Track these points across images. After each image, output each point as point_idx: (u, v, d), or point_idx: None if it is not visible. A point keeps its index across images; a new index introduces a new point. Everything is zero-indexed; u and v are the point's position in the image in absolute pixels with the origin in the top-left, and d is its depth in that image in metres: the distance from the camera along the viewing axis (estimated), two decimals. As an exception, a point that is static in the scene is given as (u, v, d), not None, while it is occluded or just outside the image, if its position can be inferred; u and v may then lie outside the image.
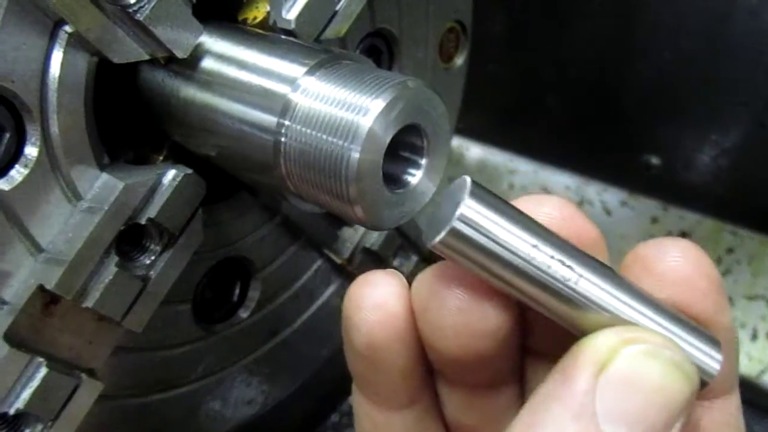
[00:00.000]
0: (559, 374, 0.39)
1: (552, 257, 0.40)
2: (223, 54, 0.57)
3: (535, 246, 0.40)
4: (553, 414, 0.38)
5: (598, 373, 0.38)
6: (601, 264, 0.42)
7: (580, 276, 0.40)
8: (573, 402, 0.38)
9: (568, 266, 0.40)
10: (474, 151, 1.24)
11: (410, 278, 0.89)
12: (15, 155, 0.52)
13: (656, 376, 0.38)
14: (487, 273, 0.40)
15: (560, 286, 0.40)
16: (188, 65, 0.57)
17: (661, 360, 0.39)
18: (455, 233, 0.39)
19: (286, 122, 0.52)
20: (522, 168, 1.21)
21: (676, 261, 0.43)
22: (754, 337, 1.03)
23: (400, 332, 0.45)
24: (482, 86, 0.96)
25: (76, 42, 0.52)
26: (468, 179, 0.40)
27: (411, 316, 0.45)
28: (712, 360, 0.42)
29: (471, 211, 0.39)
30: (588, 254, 0.42)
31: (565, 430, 0.37)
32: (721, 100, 1.01)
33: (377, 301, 0.44)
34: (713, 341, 0.43)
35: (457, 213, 0.38)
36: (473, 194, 0.39)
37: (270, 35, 0.60)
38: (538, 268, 0.39)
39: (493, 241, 0.39)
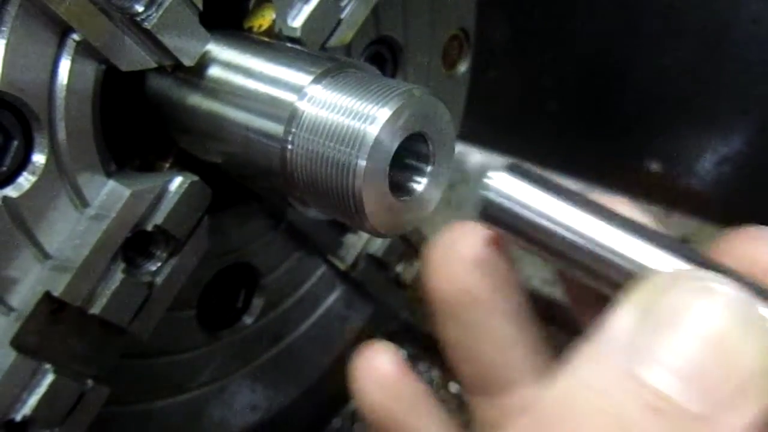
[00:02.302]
0: (601, 322, 0.35)
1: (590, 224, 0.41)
2: (230, 62, 0.57)
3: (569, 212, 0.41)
4: (586, 354, 0.34)
5: (638, 312, 0.34)
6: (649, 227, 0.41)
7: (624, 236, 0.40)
8: (605, 344, 0.34)
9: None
10: (476, 156, 1.25)
11: (414, 284, 0.89)
12: (23, 162, 0.52)
13: (707, 311, 0.33)
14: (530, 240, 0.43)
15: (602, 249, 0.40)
16: (195, 73, 0.58)
17: (717, 296, 0.34)
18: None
19: (293, 130, 0.52)
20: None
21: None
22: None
23: (401, 395, 0.51)
24: (484, 92, 0.97)
25: (84, 50, 0.52)
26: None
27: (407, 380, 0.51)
28: None
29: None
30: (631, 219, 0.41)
31: (594, 371, 0.34)
32: (722, 107, 1.01)
33: (377, 380, 0.51)
34: None
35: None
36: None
37: (276, 43, 0.60)
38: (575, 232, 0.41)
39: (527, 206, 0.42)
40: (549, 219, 0.42)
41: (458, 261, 0.47)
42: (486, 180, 0.44)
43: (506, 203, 0.43)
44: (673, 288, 0.35)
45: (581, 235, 0.41)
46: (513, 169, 0.44)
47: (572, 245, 0.41)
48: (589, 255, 0.41)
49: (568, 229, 0.41)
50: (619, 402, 0.33)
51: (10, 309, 0.52)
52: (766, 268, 0.39)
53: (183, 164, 0.63)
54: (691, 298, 0.34)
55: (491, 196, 0.43)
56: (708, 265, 0.38)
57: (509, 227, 0.43)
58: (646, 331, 0.34)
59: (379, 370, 0.51)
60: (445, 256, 0.47)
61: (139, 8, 0.52)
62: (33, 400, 0.53)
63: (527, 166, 0.44)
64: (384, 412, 0.50)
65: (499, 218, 0.43)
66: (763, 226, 0.41)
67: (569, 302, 0.48)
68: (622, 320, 0.35)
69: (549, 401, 0.34)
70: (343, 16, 0.63)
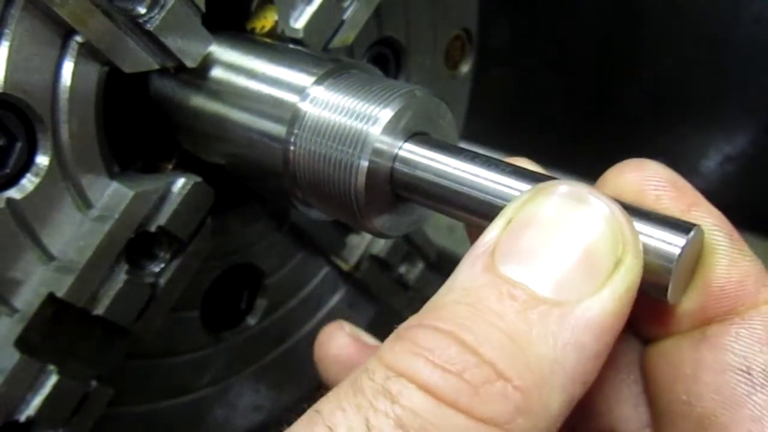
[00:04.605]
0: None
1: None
2: (233, 63, 0.57)
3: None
4: (458, 266, 0.38)
5: (504, 220, 0.38)
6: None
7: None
8: (474, 250, 0.38)
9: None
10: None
11: (417, 284, 0.89)
12: (26, 164, 0.52)
13: (561, 212, 0.37)
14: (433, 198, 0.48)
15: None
16: (198, 75, 0.58)
17: (562, 195, 0.37)
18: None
19: (296, 131, 0.52)
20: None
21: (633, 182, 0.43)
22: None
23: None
24: (487, 92, 0.97)
25: (87, 52, 0.52)
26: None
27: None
28: (670, 240, 0.38)
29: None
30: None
31: (461, 274, 0.37)
32: (726, 106, 1.01)
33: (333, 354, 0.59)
34: (683, 225, 0.39)
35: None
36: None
37: (278, 44, 0.60)
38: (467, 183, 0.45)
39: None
40: (444, 176, 0.46)
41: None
42: (395, 152, 0.49)
43: (410, 170, 0.48)
44: (536, 197, 0.38)
45: (470, 185, 0.45)
46: (416, 140, 0.49)
47: (463, 195, 0.45)
48: (480, 202, 0.45)
49: (459, 181, 0.46)
50: (478, 294, 0.36)
51: (14, 310, 0.53)
52: (652, 195, 0.42)
53: (186, 165, 0.63)
54: (552, 204, 0.37)
55: (398, 166, 0.49)
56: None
57: (416, 191, 0.48)
58: (509, 234, 0.37)
59: (334, 347, 0.57)
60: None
61: (142, 10, 0.53)
62: (37, 401, 0.53)
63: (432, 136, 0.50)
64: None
65: (407, 184, 0.49)
66: (640, 158, 0.45)
67: None
68: (490, 230, 0.38)
69: (425, 306, 0.37)
70: (345, 17, 0.63)
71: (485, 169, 0.45)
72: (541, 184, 0.40)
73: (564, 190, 0.38)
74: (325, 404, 0.35)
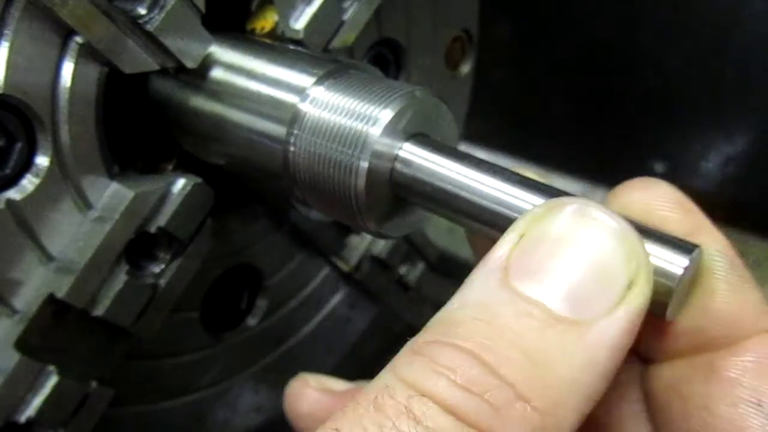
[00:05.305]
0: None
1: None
2: (233, 64, 0.57)
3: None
4: (470, 279, 0.38)
5: (518, 238, 0.38)
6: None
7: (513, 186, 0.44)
8: (487, 265, 0.38)
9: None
10: (480, 156, 1.24)
11: (417, 285, 0.89)
12: (26, 165, 0.52)
13: (574, 229, 0.37)
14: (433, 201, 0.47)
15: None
16: (198, 75, 0.58)
17: (575, 212, 0.37)
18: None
19: (295, 132, 0.52)
20: (528, 174, 1.20)
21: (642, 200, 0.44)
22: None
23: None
24: (488, 92, 0.97)
25: (87, 53, 0.52)
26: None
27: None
28: (672, 260, 0.39)
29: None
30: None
31: (476, 289, 0.37)
32: (727, 107, 1.01)
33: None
34: (686, 246, 0.40)
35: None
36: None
37: (279, 45, 0.60)
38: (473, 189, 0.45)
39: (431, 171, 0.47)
40: (447, 181, 0.46)
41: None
42: (395, 152, 0.48)
43: (411, 172, 0.48)
44: (548, 213, 0.38)
45: (473, 191, 0.45)
46: (418, 141, 0.48)
47: (468, 202, 0.45)
48: (483, 209, 0.44)
49: (462, 187, 0.45)
50: (495, 311, 0.36)
51: (14, 311, 0.53)
52: (659, 215, 0.43)
53: (186, 166, 0.63)
54: (565, 221, 0.37)
55: (398, 166, 0.48)
56: None
57: (417, 193, 0.48)
58: (523, 250, 0.37)
59: (305, 405, 0.56)
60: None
61: (142, 11, 0.53)
62: (37, 402, 0.53)
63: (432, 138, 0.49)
64: None
65: (407, 186, 0.48)
66: (649, 177, 0.45)
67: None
68: (502, 244, 0.38)
69: (438, 319, 0.37)
70: (345, 17, 0.63)
71: (488, 176, 0.45)
72: (554, 200, 0.39)
73: (577, 207, 0.38)
74: (344, 422, 0.35)
